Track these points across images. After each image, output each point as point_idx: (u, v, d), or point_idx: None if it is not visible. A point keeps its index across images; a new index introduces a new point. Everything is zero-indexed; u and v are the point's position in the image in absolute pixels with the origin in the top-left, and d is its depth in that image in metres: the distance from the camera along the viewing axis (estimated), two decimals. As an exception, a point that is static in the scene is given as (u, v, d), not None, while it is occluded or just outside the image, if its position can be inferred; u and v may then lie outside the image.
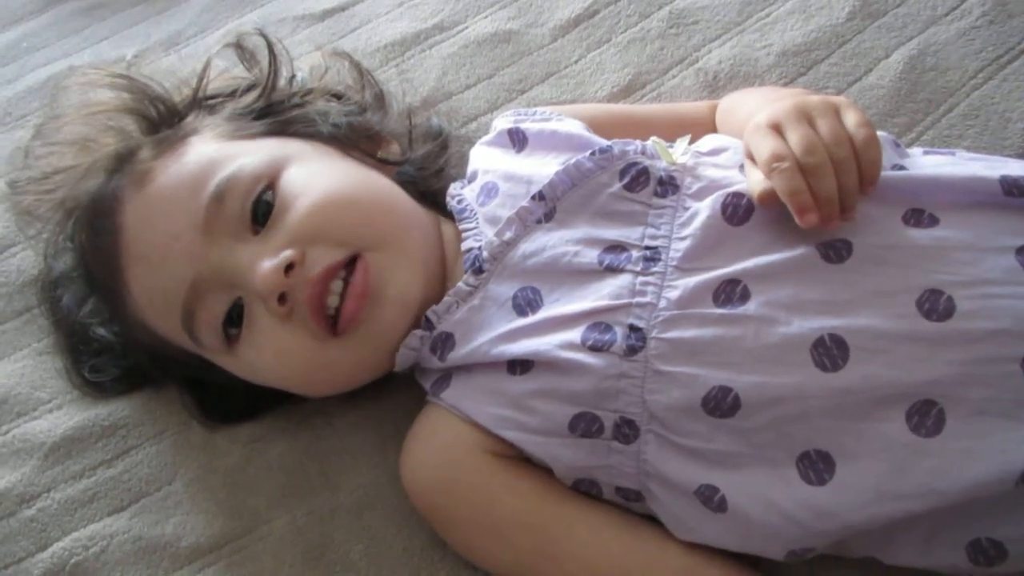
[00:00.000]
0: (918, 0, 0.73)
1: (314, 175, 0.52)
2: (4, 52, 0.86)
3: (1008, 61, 0.68)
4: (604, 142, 0.54)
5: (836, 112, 0.47)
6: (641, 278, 0.47)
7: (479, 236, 0.53)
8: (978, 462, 0.41)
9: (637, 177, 0.51)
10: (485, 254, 0.51)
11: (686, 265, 0.47)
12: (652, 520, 0.49)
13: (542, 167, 0.54)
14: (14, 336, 0.64)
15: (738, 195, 0.48)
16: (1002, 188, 0.47)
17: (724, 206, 0.48)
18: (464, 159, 0.61)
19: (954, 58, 0.69)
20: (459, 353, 0.50)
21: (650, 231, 0.49)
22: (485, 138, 0.60)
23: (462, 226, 0.54)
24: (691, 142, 0.54)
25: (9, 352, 0.63)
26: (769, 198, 0.46)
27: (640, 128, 0.57)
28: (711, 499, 0.45)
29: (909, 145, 0.64)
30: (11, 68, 0.84)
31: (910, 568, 0.46)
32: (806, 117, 0.47)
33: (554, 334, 0.47)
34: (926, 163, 0.52)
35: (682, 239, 0.48)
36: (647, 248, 0.48)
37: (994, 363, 0.43)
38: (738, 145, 0.52)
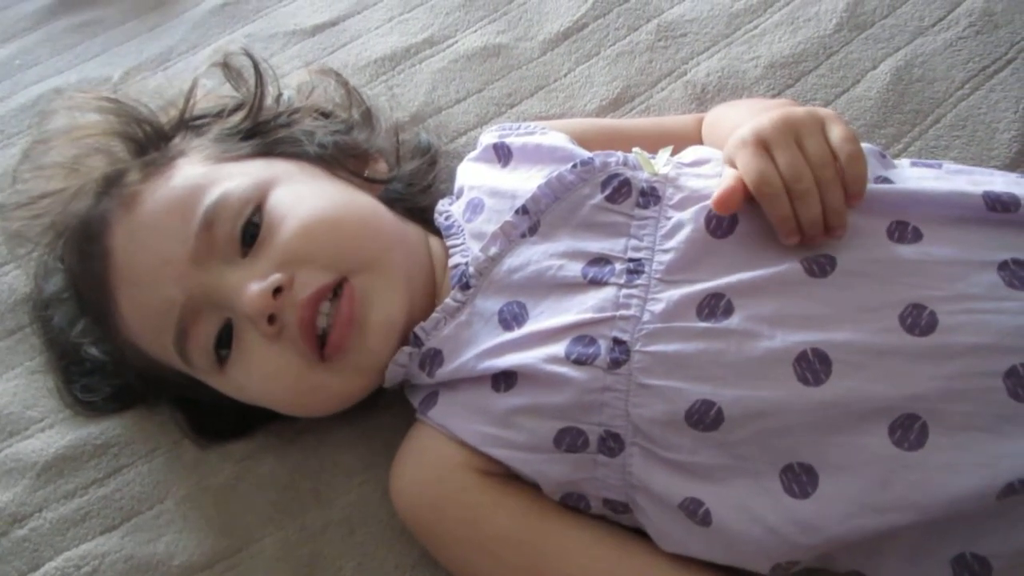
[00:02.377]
0: (905, 11, 0.73)
1: (300, 197, 0.52)
2: (-3, 70, 0.87)
3: (995, 71, 0.69)
4: (587, 154, 0.54)
5: (822, 128, 0.47)
6: (625, 291, 0.48)
7: (466, 252, 0.53)
8: (960, 476, 0.42)
9: (619, 188, 0.51)
10: (471, 269, 0.52)
11: (669, 277, 0.48)
12: (641, 535, 0.49)
13: (526, 181, 0.54)
14: (6, 355, 0.64)
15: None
16: (985, 204, 0.47)
17: (708, 219, 0.48)
18: (453, 174, 0.62)
19: (941, 69, 0.69)
20: (447, 369, 0.50)
21: (633, 243, 0.49)
22: (472, 154, 0.60)
23: (449, 242, 0.55)
24: (674, 154, 0.54)
25: (1, 372, 0.63)
26: (730, 205, 0.46)
27: (626, 142, 0.57)
28: (695, 513, 0.45)
29: (896, 156, 0.64)
30: (4, 85, 0.84)
31: (896, 583, 0.46)
32: (793, 135, 0.47)
33: (539, 348, 0.48)
34: (912, 175, 0.52)
35: (665, 251, 0.48)
36: (630, 260, 0.49)
37: (976, 378, 0.43)
38: (720, 156, 0.52)
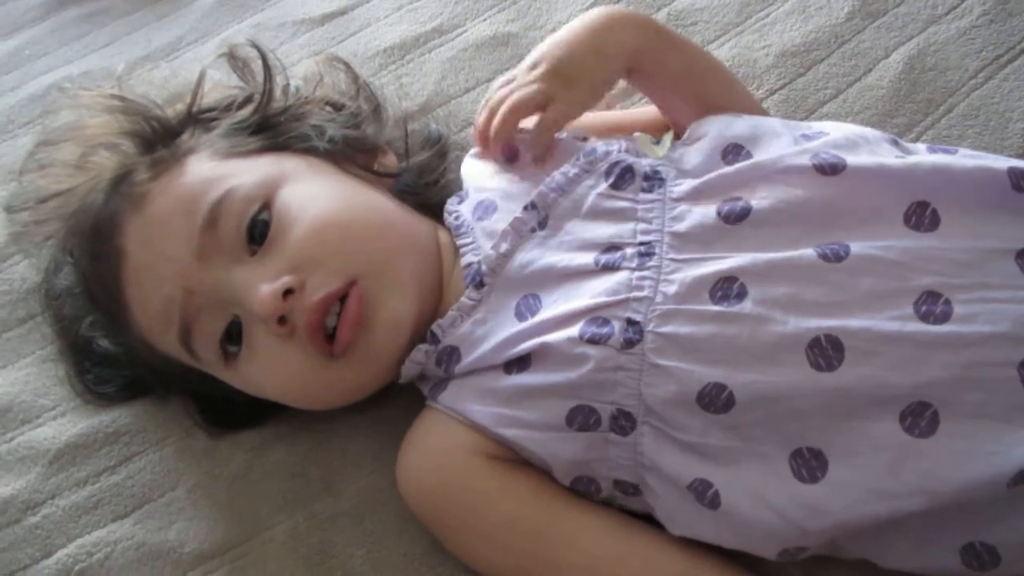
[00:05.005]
0: (918, -1, 0.73)
1: (311, 197, 0.52)
2: (6, 60, 0.87)
3: (1008, 60, 0.68)
4: (588, 146, 0.54)
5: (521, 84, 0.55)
6: (638, 273, 0.48)
7: (477, 251, 0.53)
8: (970, 463, 0.42)
9: (622, 175, 0.51)
10: (484, 268, 0.52)
11: (682, 256, 0.48)
12: (651, 523, 0.49)
13: (534, 177, 0.54)
14: (18, 344, 0.64)
15: (734, 199, 0.48)
16: (1010, 180, 0.47)
17: (719, 209, 0.48)
18: (462, 164, 0.61)
19: (954, 58, 0.69)
20: (464, 364, 0.51)
21: (642, 226, 0.49)
22: (474, 151, 0.60)
23: (460, 241, 0.54)
24: (678, 137, 0.54)
25: (13, 360, 0.64)
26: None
27: (629, 132, 0.57)
28: (704, 494, 0.45)
29: (909, 145, 0.64)
30: (13, 76, 0.84)
31: (904, 571, 0.46)
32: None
33: (553, 332, 0.48)
34: (929, 159, 0.51)
35: (676, 234, 0.48)
36: (641, 244, 0.49)
37: (990, 367, 0.43)
38: (717, 130, 0.52)
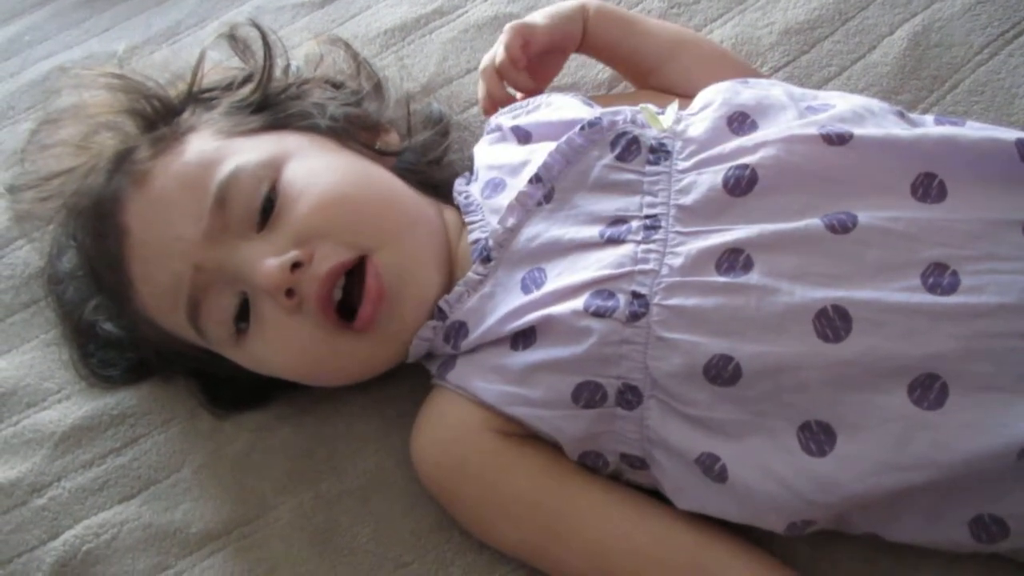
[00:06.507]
0: (922, -25, 0.72)
1: (315, 172, 0.52)
2: (6, 46, 0.87)
3: (1014, 36, 0.68)
4: (594, 115, 0.54)
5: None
6: (643, 246, 0.48)
7: (485, 227, 0.53)
8: (979, 435, 0.41)
9: (628, 146, 0.51)
10: (491, 243, 0.52)
11: (687, 229, 0.47)
12: (660, 498, 0.49)
13: (543, 152, 0.54)
14: (22, 328, 0.64)
15: (741, 167, 0.48)
16: (1018, 151, 0.46)
17: (726, 179, 0.48)
18: (464, 144, 0.61)
19: (959, 34, 0.68)
20: (471, 338, 0.51)
21: (648, 199, 0.49)
22: (489, 136, 0.60)
23: (468, 219, 0.54)
24: (681, 106, 0.54)
25: (17, 344, 0.64)
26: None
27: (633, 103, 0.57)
28: (712, 468, 0.45)
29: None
30: (14, 62, 0.84)
31: (912, 546, 0.46)
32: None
33: (559, 304, 0.48)
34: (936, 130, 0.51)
35: (682, 207, 0.48)
36: (647, 217, 0.49)
37: (998, 338, 0.42)
38: (723, 99, 0.52)
